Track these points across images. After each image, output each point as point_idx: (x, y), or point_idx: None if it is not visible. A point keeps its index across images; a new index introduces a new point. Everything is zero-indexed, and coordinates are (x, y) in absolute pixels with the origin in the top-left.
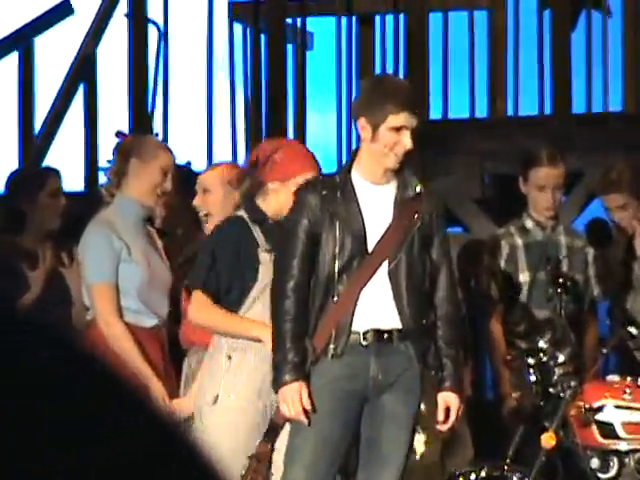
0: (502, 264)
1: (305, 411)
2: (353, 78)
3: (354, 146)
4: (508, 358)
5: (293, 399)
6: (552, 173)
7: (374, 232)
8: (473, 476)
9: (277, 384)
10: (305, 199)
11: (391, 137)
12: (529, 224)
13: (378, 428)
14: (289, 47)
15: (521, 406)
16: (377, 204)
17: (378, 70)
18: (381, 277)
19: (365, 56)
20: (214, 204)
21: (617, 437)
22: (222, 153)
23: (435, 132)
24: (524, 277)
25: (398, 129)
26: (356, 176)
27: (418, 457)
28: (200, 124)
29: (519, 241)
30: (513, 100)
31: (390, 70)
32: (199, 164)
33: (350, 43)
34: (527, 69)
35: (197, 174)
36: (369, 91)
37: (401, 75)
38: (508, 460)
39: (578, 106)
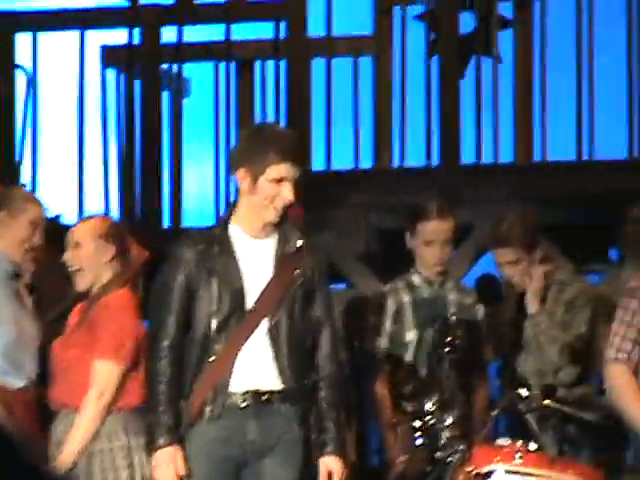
0: (388, 322)
1: (179, 477)
2: (232, 127)
3: (232, 198)
4: (394, 421)
5: (167, 464)
6: (441, 227)
7: (253, 288)
8: None
9: (151, 448)
10: (181, 254)
11: (271, 189)
12: (417, 280)
13: None
14: (164, 94)
15: (408, 471)
16: (257, 259)
17: (258, 119)
18: (260, 335)
19: (244, 104)
20: (85, 258)
21: None
22: (94, 205)
23: (318, 184)
24: (411, 336)
25: (279, 180)
26: (235, 229)
27: None
28: (70, 175)
29: (406, 298)
30: (399, 150)
31: (271, 119)
32: (69, 217)
33: (228, 90)
34: (414, 118)
35: (67, 227)
36: (249, 140)
37: (282, 124)
38: None
39: (467, 157)
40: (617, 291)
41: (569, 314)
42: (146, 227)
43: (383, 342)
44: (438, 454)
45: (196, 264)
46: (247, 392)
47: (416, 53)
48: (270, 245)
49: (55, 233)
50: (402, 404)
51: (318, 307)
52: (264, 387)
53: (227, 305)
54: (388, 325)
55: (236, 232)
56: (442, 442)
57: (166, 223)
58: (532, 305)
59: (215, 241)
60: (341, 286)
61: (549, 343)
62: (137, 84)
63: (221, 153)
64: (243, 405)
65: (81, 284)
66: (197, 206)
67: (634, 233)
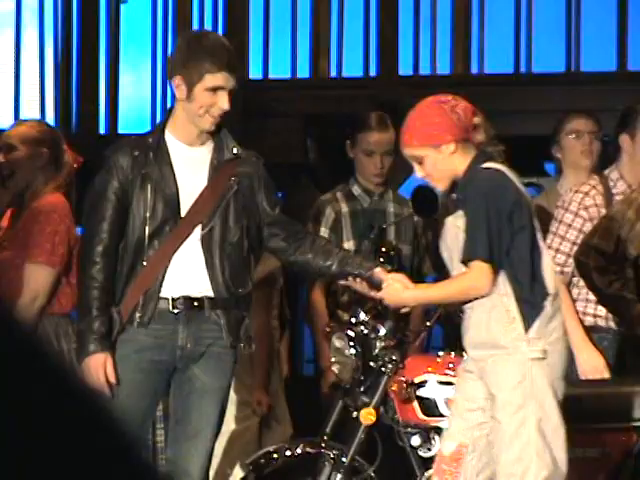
0: (326, 231)
1: (109, 383)
2: (169, 34)
3: (169, 105)
4: (327, 330)
5: (97, 370)
6: (381, 138)
7: (188, 196)
8: (288, 452)
9: (81, 354)
10: (115, 160)
11: (207, 98)
12: (356, 190)
13: (187, 401)
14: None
15: (340, 380)
16: (192, 166)
17: (196, 26)
18: (193, 243)
19: (182, 11)
20: (18, 162)
21: (439, 414)
22: (29, 111)
23: (255, 92)
24: (348, 245)
25: (215, 89)
26: (170, 137)
27: (235, 433)
28: (6, 80)
29: (345, 208)
30: (337, 60)
31: (209, 26)
32: (4, 122)
33: None
34: (352, 28)
35: (1, 131)
36: (186, 48)
37: (220, 31)
38: (325, 437)
39: (405, 68)
40: (553, 204)
41: None
42: (82, 133)
43: None
44: (371, 364)
45: (131, 170)
46: (178, 298)
47: None
48: (205, 153)
49: None
50: (338, 313)
51: (266, 203)
52: (195, 293)
53: (161, 212)
54: (325, 234)
55: (171, 140)
56: (375, 352)
57: (102, 129)
58: None
59: (150, 148)
60: (277, 195)
61: None
62: None
63: (158, 59)
64: (174, 311)
65: (13, 188)
66: (133, 112)
67: (569, 146)
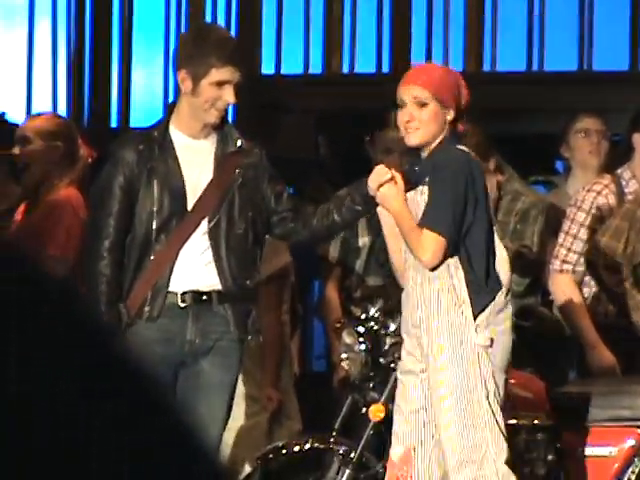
0: None
1: None
2: (182, 29)
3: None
4: (337, 326)
5: None
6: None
7: (193, 189)
8: (297, 448)
9: None
10: (121, 154)
11: (213, 92)
12: None
13: (195, 395)
14: None
15: (350, 376)
16: (197, 160)
17: (209, 20)
18: (201, 236)
19: (195, 6)
20: (33, 155)
21: None
22: (41, 105)
23: (267, 88)
24: (363, 241)
25: (220, 84)
26: (174, 131)
27: (244, 429)
28: (20, 75)
29: None
30: (349, 57)
31: (221, 22)
32: (17, 115)
33: None
34: (365, 24)
35: (14, 125)
36: (191, 42)
37: (233, 27)
38: (334, 432)
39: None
40: (563, 202)
41: (522, 224)
42: (94, 127)
43: (334, 247)
44: (381, 360)
45: (137, 164)
46: (186, 292)
47: None
48: (209, 146)
49: (0, 131)
50: (352, 309)
51: (275, 187)
52: (203, 287)
53: (167, 206)
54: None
55: (176, 133)
56: (385, 348)
57: (114, 123)
58: None
59: (155, 142)
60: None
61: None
62: None
63: (170, 55)
64: (182, 305)
65: (28, 181)
66: (146, 107)
67: (578, 145)
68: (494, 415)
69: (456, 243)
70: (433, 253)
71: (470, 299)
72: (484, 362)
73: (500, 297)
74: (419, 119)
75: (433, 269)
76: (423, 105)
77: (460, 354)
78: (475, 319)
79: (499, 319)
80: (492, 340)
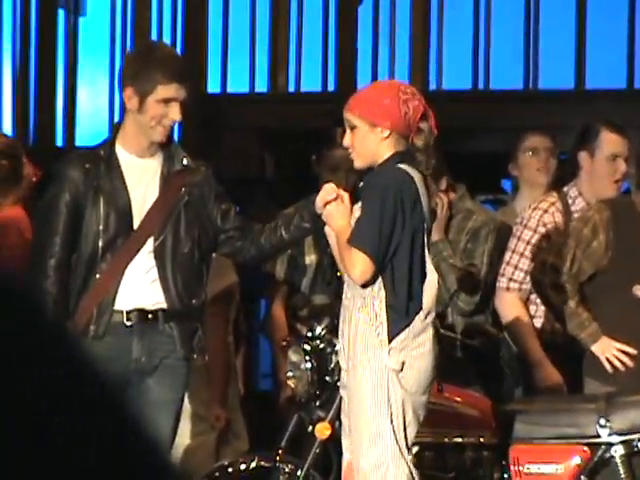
0: None
1: None
2: (127, 47)
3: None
4: (283, 344)
5: None
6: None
7: (139, 208)
8: (243, 466)
9: None
10: (67, 173)
11: (159, 109)
12: None
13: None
14: (60, 12)
15: (296, 394)
16: (143, 178)
17: (155, 38)
18: (146, 255)
19: (140, 25)
20: None
21: None
22: None
23: (213, 107)
24: (310, 259)
25: (167, 101)
26: (120, 149)
27: (191, 448)
28: None
29: None
30: (295, 75)
31: (167, 40)
32: None
33: (125, 9)
34: (311, 43)
35: None
36: (138, 59)
37: (179, 46)
38: (281, 451)
39: (363, 83)
40: (512, 220)
41: (472, 243)
42: (39, 145)
43: (280, 266)
44: (327, 378)
45: (83, 183)
46: (132, 311)
47: None
48: (156, 164)
49: None
50: (297, 327)
51: (221, 204)
52: (149, 306)
53: (114, 225)
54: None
55: (122, 152)
56: (331, 366)
57: (60, 141)
58: (435, 233)
59: (101, 160)
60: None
61: (448, 271)
62: (33, 2)
63: (116, 73)
64: (128, 324)
65: None
66: (91, 125)
67: (526, 163)
68: (396, 440)
69: (382, 263)
70: (362, 272)
71: (387, 321)
72: (393, 385)
73: (418, 320)
74: (352, 144)
75: (363, 286)
76: (353, 128)
77: (369, 374)
78: (390, 342)
79: (416, 342)
80: (403, 364)
